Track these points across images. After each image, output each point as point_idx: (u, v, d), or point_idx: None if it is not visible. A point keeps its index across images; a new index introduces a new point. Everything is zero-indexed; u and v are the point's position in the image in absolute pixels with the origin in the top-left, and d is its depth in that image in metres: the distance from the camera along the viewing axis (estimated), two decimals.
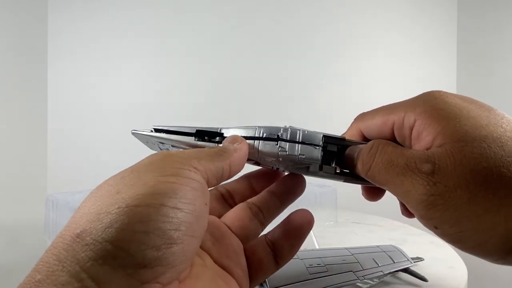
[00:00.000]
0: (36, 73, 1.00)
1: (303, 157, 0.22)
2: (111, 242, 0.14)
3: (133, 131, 0.26)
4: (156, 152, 0.19)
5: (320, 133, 0.23)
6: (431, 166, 0.17)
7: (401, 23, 1.24)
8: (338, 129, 0.28)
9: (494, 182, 0.16)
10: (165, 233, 0.15)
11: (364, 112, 0.24)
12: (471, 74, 1.28)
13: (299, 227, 0.23)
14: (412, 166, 0.18)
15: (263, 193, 0.25)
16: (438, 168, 0.17)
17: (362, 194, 0.26)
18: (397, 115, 0.21)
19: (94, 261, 0.13)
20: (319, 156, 0.22)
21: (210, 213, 0.23)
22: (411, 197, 0.18)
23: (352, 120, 0.25)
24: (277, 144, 0.22)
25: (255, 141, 0.23)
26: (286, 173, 0.26)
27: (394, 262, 0.40)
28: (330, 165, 0.23)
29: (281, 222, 0.24)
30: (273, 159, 0.23)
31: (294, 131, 0.23)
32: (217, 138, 0.24)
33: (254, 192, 0.25)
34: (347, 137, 0.24)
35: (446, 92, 0.20)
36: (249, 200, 0.25)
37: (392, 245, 0.44)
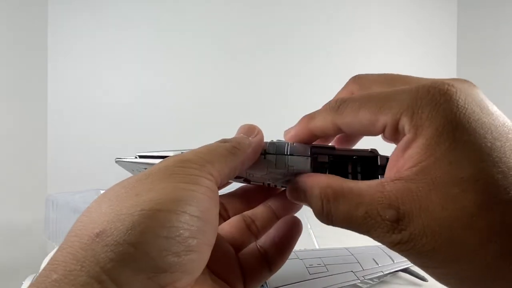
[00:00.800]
0: (36, 73, 1.00)
1: (292, 168, 0.22)
2: (133, 244, 0.13)
3: (117, 160, 0.25)
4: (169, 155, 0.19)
5: (308, 145, 0.22)
6: (394, 212, 0.16)
7: (400, 19, 1.24)
8: None
9: (458, 232, 0.15)
10: (186, 240, 0.15)
11: (343, 100, 0.19)
12: (471, 70, 1.28)
13: (289, 235, 0.23)
14: (374, 214, 0.16)
15: (259, 206, 0.25)
16: (402, 214, 0.15)
17: None
18: (389, 115, 0.17)
19: (116, 262, 0.13)
20: (309, 165, 0.22)
21: None
22: (379, 241, 0.17)
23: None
24: (264, 158, 0.22)
25: None
26: (283, 189, 0.25)
27: (394, 262, 0.40)
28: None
29: (271, 230, 0.24)
30: (262, 173, 0.22)
31: (281, 144, 0.22)
32: None
33: (248, 206, 0.25)
34: (313, 125, 0.21)
35: (471, 101, 0.16)
36: (244, 213, 0.24)
37: None
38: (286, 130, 0.23)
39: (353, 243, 0.54)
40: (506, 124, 0.16)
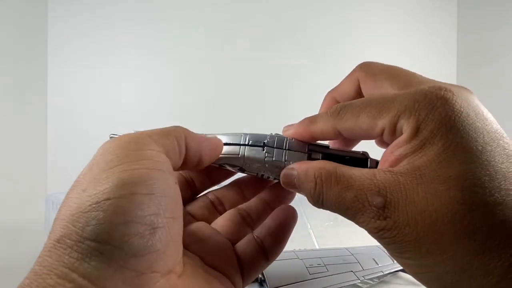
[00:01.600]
0: (36, 73, 1.00)
1: (289, 162, 0.23)
2: (93, 239, 0.14)
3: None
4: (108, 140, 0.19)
5: (305, 142, 0.23)
6: (382, 200, 0.16)
7: (400, 19, 1.23)
8: None
9: (441, 227, 0.15)
10: (145, 219, 0.15)
11: (343, 106, 0.20)
12: (471, 70, 1.28)
13: (284, 223, 0.24)
14: (363, 199, 0.17)
15: (253, 199, 0.25)
16: (389, 202, 0.16)
17: None
18: (388, 118, 0.18)
19: (81, 260, 0.13)
20: (305, 159, 0.23)
21: (200, 220, 0.23)
22: (364, 227, 0.17)
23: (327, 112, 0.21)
24: (263, 150, 0.23)
25: (241, 147, 0.24)
26: (276, 181, 0.26)
27: (394, 262, 0.40)
28: None
29: (267, 219, 0.24)
30: (259, 165, 0.23)
31: (281, 138, 0.23)
32: None
33: (244, 199, 0.26)
34: (314, 128, 0.21)
35: (466, 108, 0.16)
36: (239, 206, 0.25)
37: None
38: (286, 126, 0.24)
39: (353, 243, 0.54)
40: (498, 131, 0.17)
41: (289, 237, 0.24)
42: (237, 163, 0.24)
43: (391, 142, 0.18)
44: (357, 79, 0.22)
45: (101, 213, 0.14)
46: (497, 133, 0.16)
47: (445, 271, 0.15)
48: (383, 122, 0.18)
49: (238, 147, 0.24)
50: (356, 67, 0.22)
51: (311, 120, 0.22)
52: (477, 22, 1.29)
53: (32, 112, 0.99)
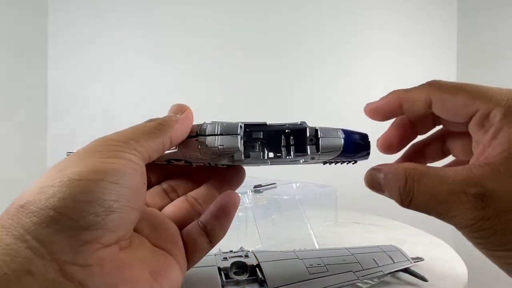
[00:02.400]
0: (36, 73, 1.00)
1: (222, 147, 0.23)
2: (54, 209, 0.15)
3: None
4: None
5: (239, 123, 0.24)
6: (480, 189, 0.16)
7: (400, 20, 1.23)
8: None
9: None
10: (105, 203, 0.16)
11: (439, 81, 0.21)
12: (471, 70, 1.28)
13: (225, 207, 0.24)
14: (458, 191, 0.17)
15: (203, 186, 0.27)
16: (489, 191, 0.16)
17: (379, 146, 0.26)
18: (485, 103, 0.18)
19: (38, 225, 0.15)
20: (238, 143, 0.23)
21: (151, 207, 0.25)
22: (457, 221, 0.17)
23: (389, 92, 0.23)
24: (196, 140, 0.23)
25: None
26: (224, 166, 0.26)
27: (394, 262, 0.40)
28: (258, 151, 0.24)
29: (210, 206, 0.25)
30: (196, 154, 0.24)
31: (212, 125, 0.24)
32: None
33: (196, 185, 0.27)
34: (407, 95, 0.22)
35: None
36: (189, 193, 0.26)
37: (392, 245, 0.44)
38: (369, 103, 0.25)
39: (353, 243, 0.54)
40: None
41: (231, 220, 0.25)
42: (178, 156, 0.25)
43: (477, 126, 0.19)
44: (428, 93, 0.22)
45: (68, 189, 0.16)
46: None
47: None
48: (479, 105, 0.19)
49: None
50: (426, 83, 0.22)
51: (405, 89, 0.23)
52: (477, 22, 1.29)
53: (32, 112, 0.99)
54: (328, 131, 0.24)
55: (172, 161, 0.26)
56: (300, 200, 0.57)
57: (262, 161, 0.24)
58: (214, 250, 0.28)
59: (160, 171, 0.28)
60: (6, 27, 0.90)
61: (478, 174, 0.17)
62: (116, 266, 0.17)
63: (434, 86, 0.21)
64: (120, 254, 0.18)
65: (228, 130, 0.23)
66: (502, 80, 1.21)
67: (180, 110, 0.24)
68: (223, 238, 0.25)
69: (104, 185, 0.17)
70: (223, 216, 0.24)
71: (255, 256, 0.37)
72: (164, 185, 0.27)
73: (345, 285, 0.35)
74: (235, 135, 0.23)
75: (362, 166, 0.26)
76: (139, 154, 0.20)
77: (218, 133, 0.23)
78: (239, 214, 0.53)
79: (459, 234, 0.19)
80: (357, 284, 0.36)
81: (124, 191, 0.18)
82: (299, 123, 0.24)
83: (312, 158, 0.24)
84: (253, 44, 1.08)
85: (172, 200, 0.26)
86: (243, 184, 0.29)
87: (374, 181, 0.22)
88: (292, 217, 0.57)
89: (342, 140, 0.24)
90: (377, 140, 0.27)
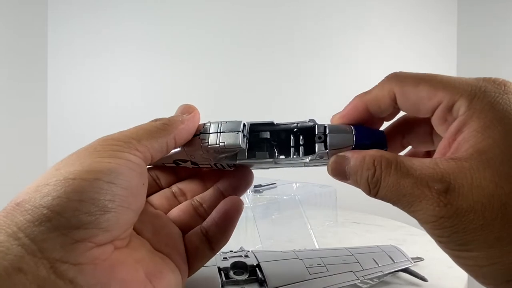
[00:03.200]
0: (36, 73, 1.00)
1: (223, 144, 0.22)
2: (47, 207, 0.15)
3: None
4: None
5: (240, 121, 0.23)
6: (445, 185, 0.16)
7: (400, 16, 1.23)
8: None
9: None
10: (99, 202, 0.16)
11: (400, 73, 0.20)
12: (472, 67, 1.28)
13: (227, 214, 0.24)
14: (423, 184, 0.16)
15: (209, 189, 0.27)
16: (452, 188, 0.16)
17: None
18: (448, 94, 0.18)
19: (31, 223, 0.15)
20: (239, 141, 0.22)
21: (158, 209, 0.25)
22: (419, 216, 0.17)
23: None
24: (199, 138, 0.23)
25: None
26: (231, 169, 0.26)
27: (394, 262, 0.40)
28: (264, 150, 0.23)
29: (213, 211, 0.25)
30: (200, 152, 0.23)
31: (216, 123, 0.23)
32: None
33: (205, 188, 0.27)
34: (370, 96, 0.21)
35: None
36: (194, 197, 0.26)
37: (392, 245, 0.44)
38: (334, 114, 0.24)
39: (353, 243, 0.54)
40: None
41: (233, 228, 0.24)
42: (183, 156, 0.24)
43: (440, 121, 0.18)
44: (391, 88, 0.21)
45: (62, 188, 0.16)
46: None
47: None
48: (442, 96, 0.18)
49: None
50: (386, 78, 0.21)
51: (365, 92, 0.22)
52: (477, 19, 1.29)
53: (32, 112, 0.99)
54: (338, 127, 0.22)
55: (179, 162, 0.26)
56: (300, 200, 0.57)
57: (267, 161, 0.23)
58: None
59: (171, 174, 0.27)
60: (6, 27, 0.90)
61: (443, 169, 0.16)
62: (109, 265, 0.17)
63: (395, 79, 0.20)
64: (115, 254, 0.18)
65: (230, 128, 0.23)
66: (503, 77, 1.21)
67: (187, 110, 0.23)
68: None
69: (99, 184, 0.17)
70: (225, 223, 0.24)
71: (255, 256, 0.37)
72: (174, 188, 0.27)
73: (345, 285, 0.35)
74: (237, 133, 0.22)
75: None
76: (139, 154, 0.19)
77: (220, 131, 0.23)
78: None
79: None
80: (357, 284, 0.36)
81: (120, 191, 0.17)
82: (307, 121, 0.23)
83: (321, 157, 0.22)
84: (256, 42, 1.08)
85: (180, 203, 0.26)
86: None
87: (340, 168, 0.21)
88: (292, 217, 0.57)
89: (353, 137, 0.22)
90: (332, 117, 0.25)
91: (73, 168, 0.17)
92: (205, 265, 0.35)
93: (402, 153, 0.26)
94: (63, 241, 0.15)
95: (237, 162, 0.23)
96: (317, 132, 0.22)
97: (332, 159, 0.21)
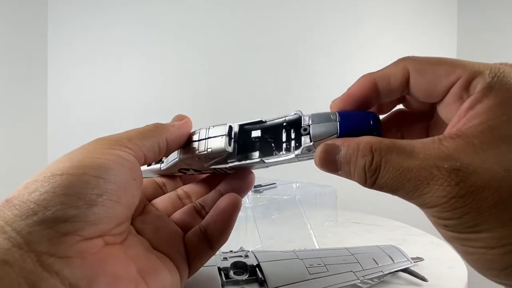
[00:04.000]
0: (36, 73, 1.00)
1: (210, 150, 0.22)
2: (34, 202, 0.16)
3: None
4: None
5: (228, 124, 0.23)
6: (455, 162, 0.15)
7: (400, 14, 1.23)
8: None
9: None
10: (86, 196, 0.17)
11: (415, 56, 0.20)
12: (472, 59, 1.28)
13: (226, 211, 0.24)
14: (430, 165, 0.15)
15: (210, 192, 0.27)
16: (463, 165, 0.14)
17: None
18: (468, 70, 0.17)
19: (18, 217, 0.15)
20: (224, 144, 0.22)
21: (162, 211, 0.25)
22: (426, 200, 0.15)
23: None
24: (192, 146, 0.24)
25: (177, 150, 0.24)
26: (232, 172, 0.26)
27: (394, 262, 0.40)
28: (257, 150, 0.23)
29: (211, 209, 0.25)
30: (195, 159, 0.24)
31: (204, 130, 0.23)
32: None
33: (209, 191, 0.27)
34: (381, 73, 0.20)
35: None
36: (197, 200, 0.27)
37: (392, 245, 0.44)
38: (335, 98, 0.22)
39: (353, 243, 0.54)
40: None
41: (232, 225, 0.24)
42: (182, 165, 0.25)
43: (455, 98, 0.17)
44: (405, 65, 0.19)
45: (49, 184, 0.16)
46: None
47: None
48: (461, 72, 0.17)
49: (176, 152, 0.25)
50: (399, 59, 0.20)
51: (376, 70, 0.21)
52: (477, 18, 1.29)
53: (32, 112, 0.99)
54: (320, 116, 0.21)
55: (183, 171, 0.26)
56: (300, 200, 0.57)
57: (257, 161, 0.23)
58: None
59: (178, 181, 0.28)
60: (6, 27, 0.90)
61: (450, 147, 0.15)
62: (98, 259, 0.17)
63: (411, 58, 0.19)
64: (106, 249, 0.18)
65: (215, 133, 0.23)
66: None
67: (180, 118, 0.24)
68: None
69: (86, 179, 0.17)
70: (223, 221, 0.24)
71: (255, 256, 0.37)
72: (179, 191, 0.28)
73: (345, 285, 0.35)
74: (221, 137, 0.22)
75: None
76: (130, 151, 0.20)
77: (207, 137, 0.23)
78: (239, 214, 0.53)
79: None
80: (357, 284, 0.36)
81: (108, 185, 0.18)
82: (292, 114, 0.22)
83: (309, 150, 0.21)
84: (256, 42, 1.08)
85: (184, 206, 0.27)
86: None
87: (329, 158, 0.19)
88: (292, 217, 0.57)
89: (337, 124, 0.20)
90: (333, 101, 0.23)
91: (62, 165, 0.18)
92: (205, 265, 0.35)
93: None
94: (49, 234, 0.15)
95: (228, 165, 0.23)
96: (303, 124, 0.21)
97: (320, 148, 0.20)
